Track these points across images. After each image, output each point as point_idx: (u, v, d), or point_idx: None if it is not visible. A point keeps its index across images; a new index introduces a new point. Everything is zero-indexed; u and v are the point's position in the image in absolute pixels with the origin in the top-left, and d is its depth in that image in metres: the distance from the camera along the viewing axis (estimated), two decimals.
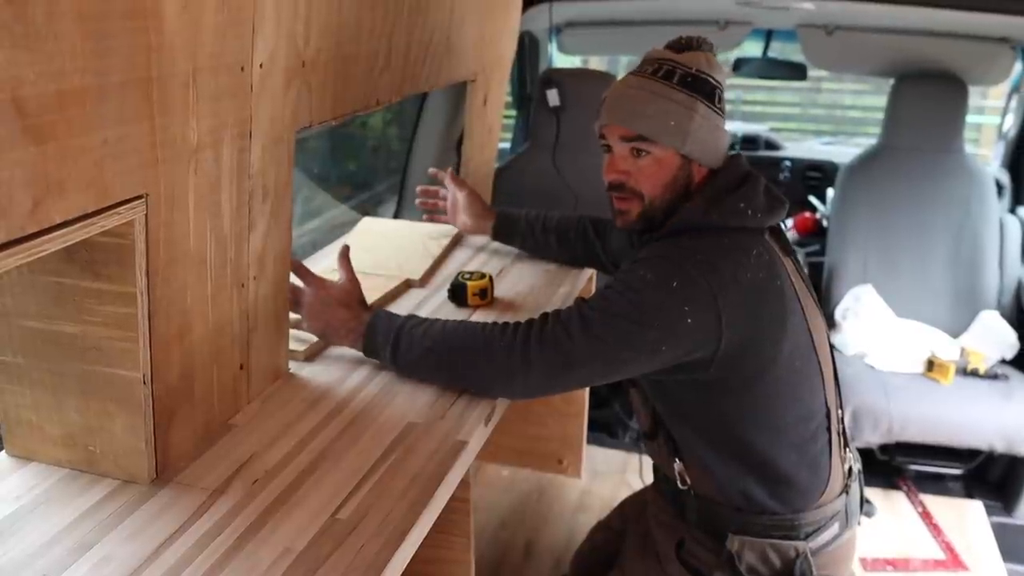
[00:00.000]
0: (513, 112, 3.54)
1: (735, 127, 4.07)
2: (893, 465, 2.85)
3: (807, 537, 1.40)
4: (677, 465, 1.47)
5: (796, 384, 1.37)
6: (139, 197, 1.00)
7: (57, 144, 0.86)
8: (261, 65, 1.18)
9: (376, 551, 1.03)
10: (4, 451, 1.18)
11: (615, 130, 1.40)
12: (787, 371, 1.34)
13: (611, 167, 1.42)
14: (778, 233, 1.43)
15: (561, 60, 3.61)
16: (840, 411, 1.47)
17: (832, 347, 1.50)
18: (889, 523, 2.69)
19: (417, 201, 2.10)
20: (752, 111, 7.40)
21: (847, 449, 1.48)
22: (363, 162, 4.78)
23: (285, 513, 1.08)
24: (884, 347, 2.93)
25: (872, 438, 2.69)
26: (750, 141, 3.83)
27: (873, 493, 2.80)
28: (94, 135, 0.91)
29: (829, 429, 1.41)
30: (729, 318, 1.26)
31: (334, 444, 1.24)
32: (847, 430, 1.51)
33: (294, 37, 1.25)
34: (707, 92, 1.38)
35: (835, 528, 1.43)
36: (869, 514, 1.54)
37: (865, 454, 2.82)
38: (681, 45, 1.43)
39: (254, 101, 1.18)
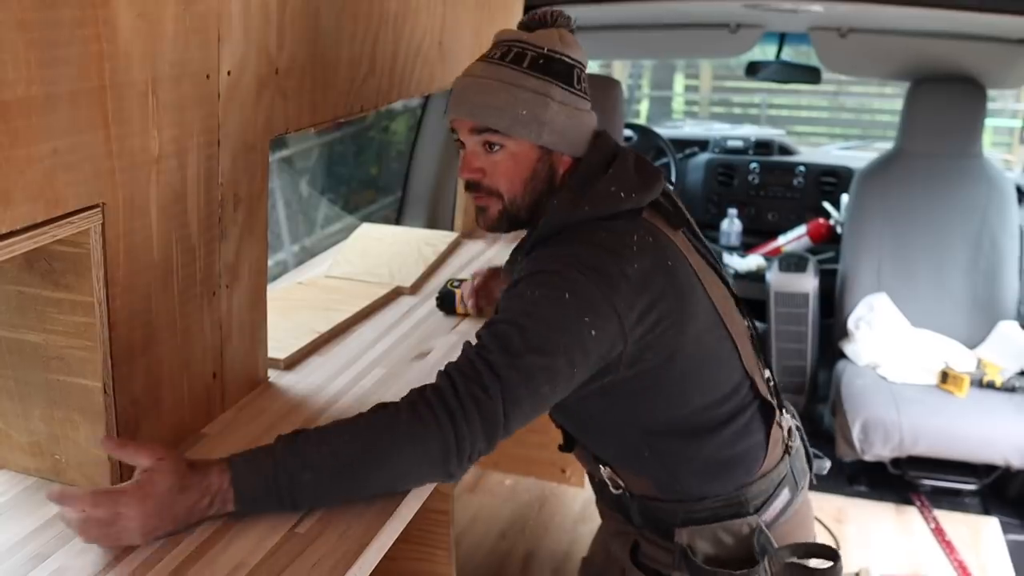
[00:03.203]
0: None
1: (749, 132, 4.02)
2: (905, 480, 2.78)
3: (757, 511, 1.33)
4: (604, 471, 1.40)
5: (709, 363, 1.28)
6: (94, 206, 0.99)
7: (2, 154, 0.86)
8: (229, 72, 1.17)
9: (332, 565, 1.01)
10: None
11: (464, 124, 1.28)
12: (697, 352, 1.26)
13: (465, 164, 1.30)
14: (661, 206, 1.30)
15: None
16: (767, 371, 1.40)
17: (744, 311, 1.40)
18: (900, 539, 2.63)
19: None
20: (778, 115, 7.33)
21: (782, 410, 1.39)
22: (385, 167, 4.80)
23: (244, 527, 1.07)
24: (897, 358, 2.87)
25: (883, 451, 2.64)
26: (764, 146, 3.78)
27: (884, 508, 2.76)
28: (43, 145, 0.90)
29: (757, 396, 1.33)
30: (628, 316, 1.16)
31: None
32: (776, 389, 1.42)
33: (266, 44, 1.24)
34: (563, 74, 1.26)
35: (785, 494, 1.36)
36: (820, 470, 1.48)
37: (876, 468, 2.79)
38: (533, 23, 1.31)
39: (222, 109, 1.17)
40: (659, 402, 1.28)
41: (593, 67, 4.03)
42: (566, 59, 1.27)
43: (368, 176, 4.93)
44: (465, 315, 1.71)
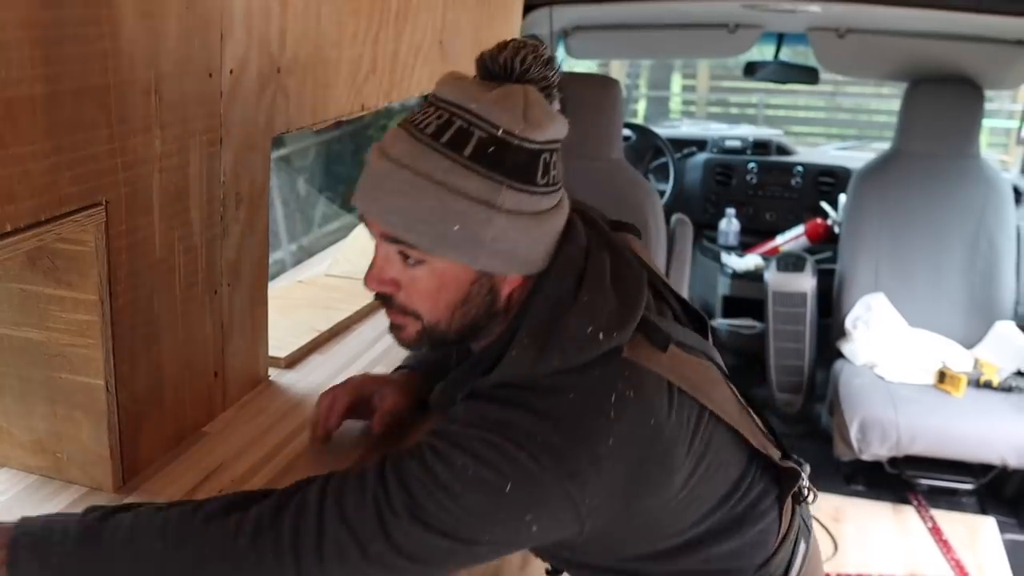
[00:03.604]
0: None
1: (747, 132, 4.03)
2: (903, 479, 2.79)
3: None
4: None
5: (705, 482, 1.03)
6: (96, 204, 0.99)
7: (5, 152, 0.86)
8: (231, 71, 1.17)
9: None
10: None
11: (373, 223, 0.95)
12: (690, 483, 1.00)
13: (373, 272, 0.98)
14: (643, 321, 0.97)
15: (574, 65, 3.59)
16: (764, 430, 1.15)
17: (744, 399, 1.13)
18: (897, 539, 2.64)
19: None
20: (775, 115, 7.35)
21: (786, 459, 1.16)
22: None
23: None
24: (894, 357, 2.88)
25: (880, 451, 2.64)
26: (762, 146, 3.79)
27: (882, 507, 2.77)
28: (46, 143, 0.90)
29: (767, 468, 1.12)
30: (590, 505, 0.90)
31: (304, 454, 1.23)
32: (775, 434, 1.18)
33: (267, 43, 1.23)
34: (521, 168, 0.89)
35: (802, 547, 1.17)
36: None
37: (874, 467, 2.80)
38: (495, 68, 0.93)
39: (224, 107, 1.17)
40: (645, 536, 1.05)
41: (591, 67, 4.04)
42: (528, 145, 0.89)
43: None
44: None
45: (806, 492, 1.17)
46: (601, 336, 0.92)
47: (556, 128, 0.92)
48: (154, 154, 1.07)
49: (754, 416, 1.12)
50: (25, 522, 0.90)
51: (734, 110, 7.73)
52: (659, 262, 2.64)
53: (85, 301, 1.03)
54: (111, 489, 1.12)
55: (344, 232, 2.25)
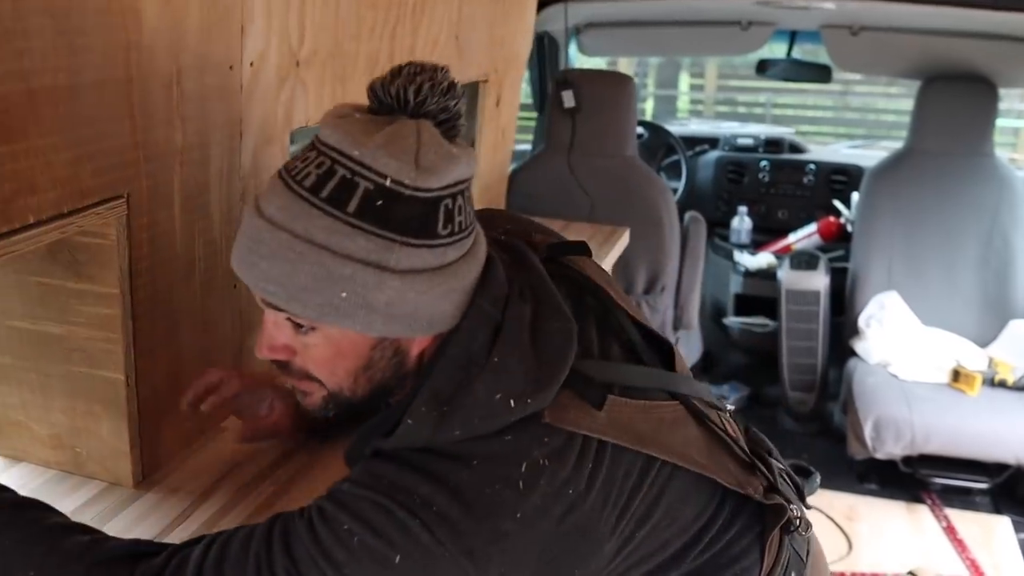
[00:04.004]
0: (533, 115, 3.52)
1: (759, 130, 4.01)
2: (916, 478, 2.77)
3: None
4: None
5: (658, 537, 0.91)
6: (118, 197, 0.99)
7: (28, 143, 0.85)
8: (251, 64, 1.16)
9: None
10: None
11: (254, 290, 0.84)
12: (633, 548, 0.89)
13: (263, 340, 0.88)
14: (578, 377, 0.86)
15: (585, 62, 3.58)
16: (751, 457, 1.00)
17: (720, 415, 1.00)
18: (911, 538, 2.62)
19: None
20: (783, 115, 7.33)
21: (772, 492, 1.00)
22: None
23: None
24: (908, 356, 2.86)
25: (894, 449, 2.63)
26: (774, 144, 3.77)
27: (895, 506, 2.75)
28: (68, 134, 0.90)
29: (744, 503, 0.98)
30: None
31: (324, 449, 1.22)
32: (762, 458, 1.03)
33: (287, 35, 1.23)
34: (416, 221, 0.79)
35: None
36: (813, 491, 1.13)
37: (887, 466, 2.78)
38: (388, 101, 0.82)
39: (244, 101, 1.17)
40: None
41: (600, 63, 4.02)
42: (422, 195, 0.79)
43: None
44: None
45: (796, 524, 1.03)
46: (512, 404, 0.81)
47: (458, 170, 0.81)
48: (175, 147, 1.06)
49: (737, 444, 0.99)
50: None
51: (742, 109, 7.70)
52: (673, 260, 2.63)
53: (106, 295, 1.02)
54: (131, 484, 1.12)
55: None
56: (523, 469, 0.79)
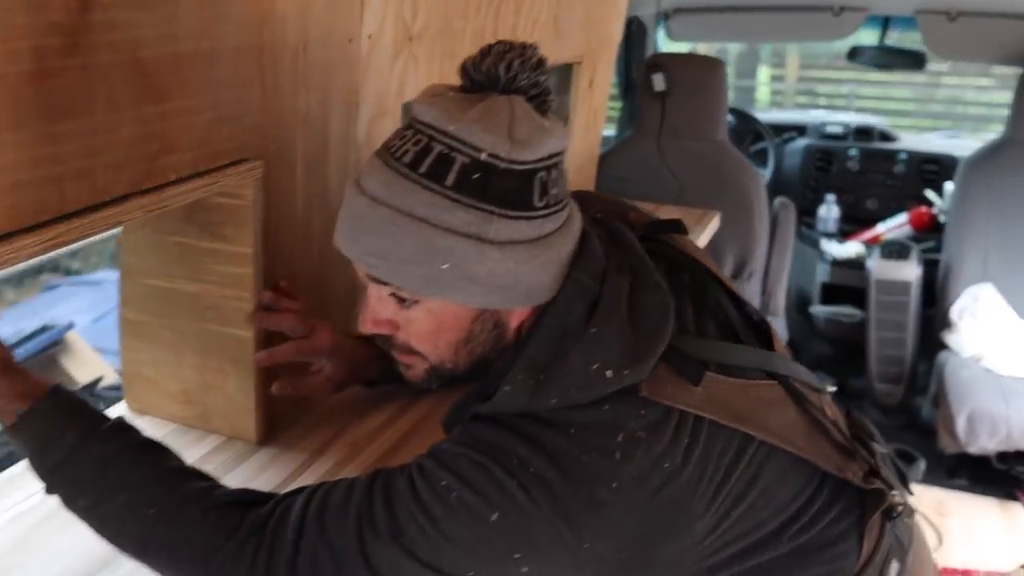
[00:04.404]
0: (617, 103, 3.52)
1: (849, 118, 3.94)
2: (1011, 475, 2.70)
3: None
4: None
5: (753, 518, 0.91)
6: (253, 159, 1.03)
7: (172, 104, 0.90)
8: (369, 37, 1.20)
9: None
10: (125, 404, 1.24)
11: (357, 264, 0.87)
12: (728, 527, 0.89)
13: (367, 314, 0.90)
14: (674, 353, 0.86)
15: (669, 48, 3.56)
16: (851, 443, 0.99)
17: (812, 393, 0.99)
18: (1004, 535, 2.56)
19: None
20: (865, 106, 7.16)
21: (873, 477, 0.98)
22: None
23: None
24: (1004, 349, 2.78)
25: (989, 444, 2.56)
26: (864, 132, 3.69)
27: (987, 503, 2.68)
28: (207, 97, 0.94)
29: (843, 489, 0.96)
30: (593, 553, 0.81)
31: (431, 414, 1.25)
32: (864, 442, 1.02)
33: (401, 11, 1.26)
34: (512, 194, 0.80)
35: (894, 567, 1.01)
36: (917, 477, 1.10)
37: (978, 461, 2.71)
38: (479, 79, 0.83)
39: (361, 73, 1.20)
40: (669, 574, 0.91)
41: (683, 48, 3.99)
42: (517, 167, 0.80)
43: None
44: None
45: (898, 510, 1.00)
46: (609, 375, 0.82)
47: (551, 143, 0.82)
48: (299, 115, 1.10)
49: (837, 427, 0.98)
50: (63, 395, 0.86)
51: (823, 100, 7.55)
52: (761, 246, 2.61)
53: (240, 254, 1.07)
54: (253, 440, 1.16)
55: None
56: (620, 440, 0.80)
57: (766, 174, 3.42)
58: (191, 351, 1.14)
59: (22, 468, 1.12)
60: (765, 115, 3.88)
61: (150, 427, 1.20)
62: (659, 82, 2.53)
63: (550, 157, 0.82)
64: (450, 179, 0.79)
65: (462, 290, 0.82)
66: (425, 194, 0.79)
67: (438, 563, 0.79)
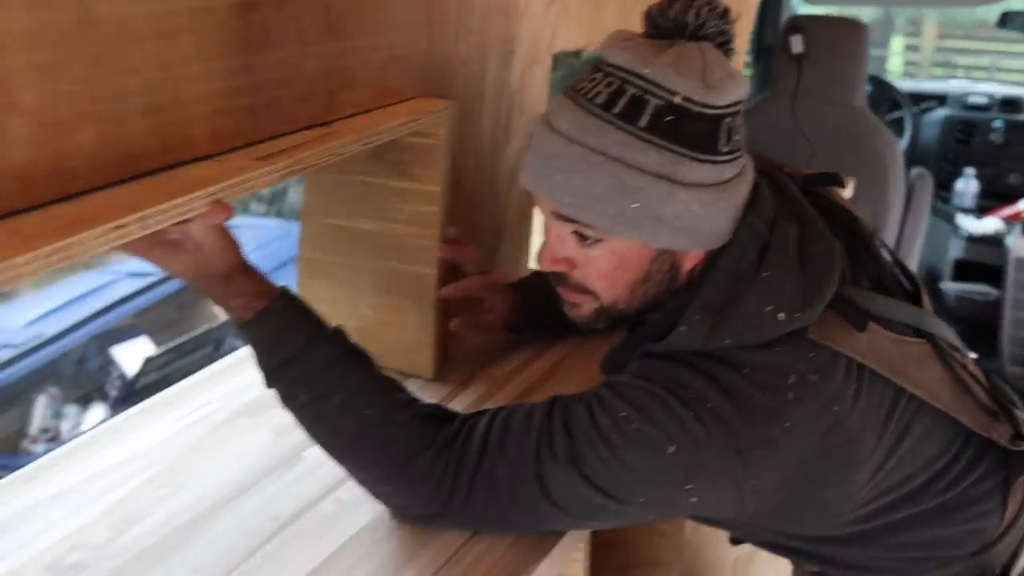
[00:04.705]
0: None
1: (993, 89, 3.75)
2: None
3: (1006, 570, 1.02)
4: (789, 559, 1.12)
5: (902, 470, 0.93)
6: (444, 99, 1.05)
7: (352, 43, 0.95)
8: None
9: None
10: None
11: (543, 202, 0.89)
12: (881, 477, 0.92)
13: (546, 252, 0.91)
14: (840, 299, 0.88)
15: (806, 11, 3.46)
16: (995, 406, 0.99)
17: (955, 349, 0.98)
18: None
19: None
20: (1008, 79, 6.79)
21: (1019, 440, 0.98)
22: None
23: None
24: None
25: None
26: (1011, 104, 3.51)
27: None
28: (382, 37, 0.99)
29: (986, 449, 0.97)
30: (756, 490, 0.85)
31: (573, 351, 1.28)
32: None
33: None
34: (702, 138, 0.82)
35: None
36: None
37: None
38: (667, 26, 0.84)
39: (518, 21, 1.23)
40: (821, 523, 0.96)
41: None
42: (709, 111, 0.82)
43: None
44: None
45: None
46: (781, 316, 0.84)
47: (738, 90, 0.84)
48: (459, 58, 1.14)
49: (982, 390, 0.98)
50: (293, 298, 0.90)
51: (960, 72, 7.20)
52: (894, 216, 2.53)
53: (428, 192, 1.09)
54: (430, 375, 1.19)
55: None
56: (792, 381, 0.83)
57: (902, 144, 3.31)
58: (368, 289, 1.17)
59: (193, 382, 1.21)
60: (903, 84, 3.73)
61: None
62: (797, 44, 2.48)
63: (735, 104, 0.84)
64: (643, 120, 0.81)
65: (648, 230, 0.84)
66: (619, 134, 0.81)
67: (611, 488, 0.83)
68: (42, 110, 0.65)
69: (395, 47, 1.01)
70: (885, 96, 3.38)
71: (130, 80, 0.71)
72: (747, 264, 0.87)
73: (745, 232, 0.88)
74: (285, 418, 1.10)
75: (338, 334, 0.92)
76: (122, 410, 1.20)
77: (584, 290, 0.92)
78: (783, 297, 0.85)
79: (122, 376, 3.72)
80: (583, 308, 0.94)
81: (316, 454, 1.03)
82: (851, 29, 2.52)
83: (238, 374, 1.22)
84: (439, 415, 0.92)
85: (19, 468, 1.03)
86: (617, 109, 0.82)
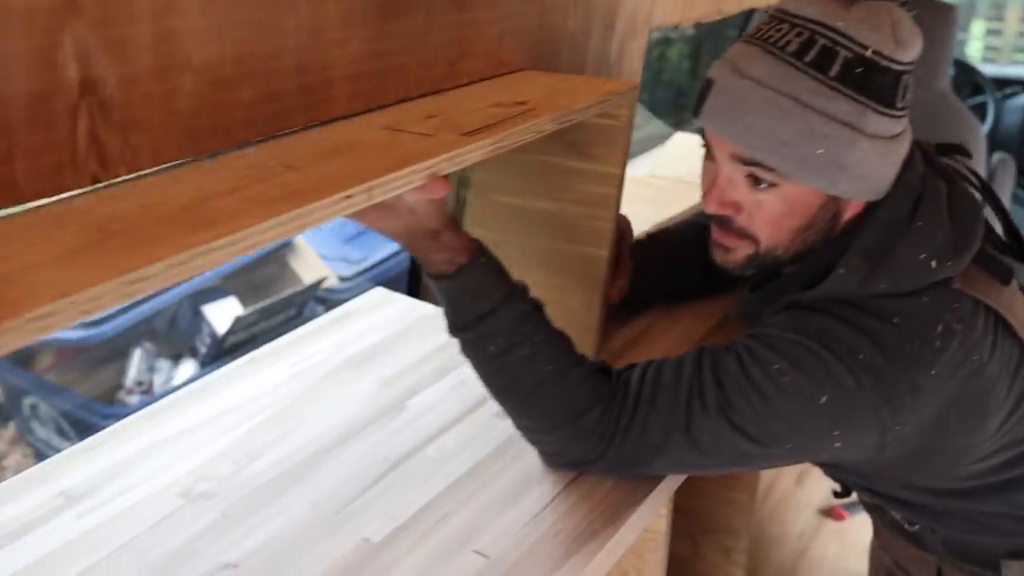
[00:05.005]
0: None
1: None
2: None
3: None
4: (896, 514, 1.15)
5: (1022, 427, 0.98)
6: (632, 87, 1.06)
7: (472, 15, 1.00)
8: None
9: None
10: None
11: (723, 144, 0.93)
12: (1007, 430, 0.97)
13: (714, 194, 0.95)
14: (983, 253, 0.94)
15: None
16: None
17: None
18: None
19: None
20: None
21: None
22: (657, 93, 4.94)
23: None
24: None
25: None
26: None
27: None
28: (498, 10, 1.04)
29: None
30: (897, 436, 0.89)
31: (658, 321, 1.31)
32: None
33: None
34: (886, 92, 0.86)
35: None
36: None
37: None
38: None
39: None
40: (943, 473, 1.02)
41: None
42: (895, 66, 0.86)
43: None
44: None
45: None
46: (934, 264, 0.90)
47: (918, 48, 0.88)
48: (566, 31, 1.18)
49: None
50: (490, 255, 0.94)
51: None
52: None
53: (606, 174, 1.09)
54: (591, 355, 1.16)
55: (650, 141, 2.34)
56: (938, 330, 0.88)
57: (984, 129, 3.25)
58: (535, 268, 1.14)
59: (295, 336, 1.28)
60: (986, 68, 3.66)
61: None
62: None
63: (913, 62, 0.89)
64: (833, 71, 0.85)
65: (828, 176, 0.89)
66: (810, 82, 0.86)
67: (760, 436, 0.88)
68: (210, 69, 0.71)
69: (510, 19, 1.05)
70: (968, 80, 3.33)
71: (284, 42, 0.77)
72: (902, 215, 0.92)
73: (902, 185, 0.93)
74: (387, 371, 1.18)
75: (526, 290, 0.96)
76: (211, 367, 1.27)
77: (745, 235, 0.96)
78: (935, 246, 0.90)
79: (212, 334, 3.87)
80: (737, 253, 0.98)
81: (419, 403, 1.11)
82: (940, 11, 2.49)
83: (336, 332, 1.29)
84: (604, 370, 0.97)
85: (116, 416, 1.10)
86: (808, 58, 0.86)
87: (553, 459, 0.98)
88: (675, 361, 0.93)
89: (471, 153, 0.80)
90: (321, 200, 0.64)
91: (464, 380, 1.15)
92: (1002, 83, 3.54)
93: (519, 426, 0.97)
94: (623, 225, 1.20)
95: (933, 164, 1.00)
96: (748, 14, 3.09)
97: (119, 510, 0.92)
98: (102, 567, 0.84)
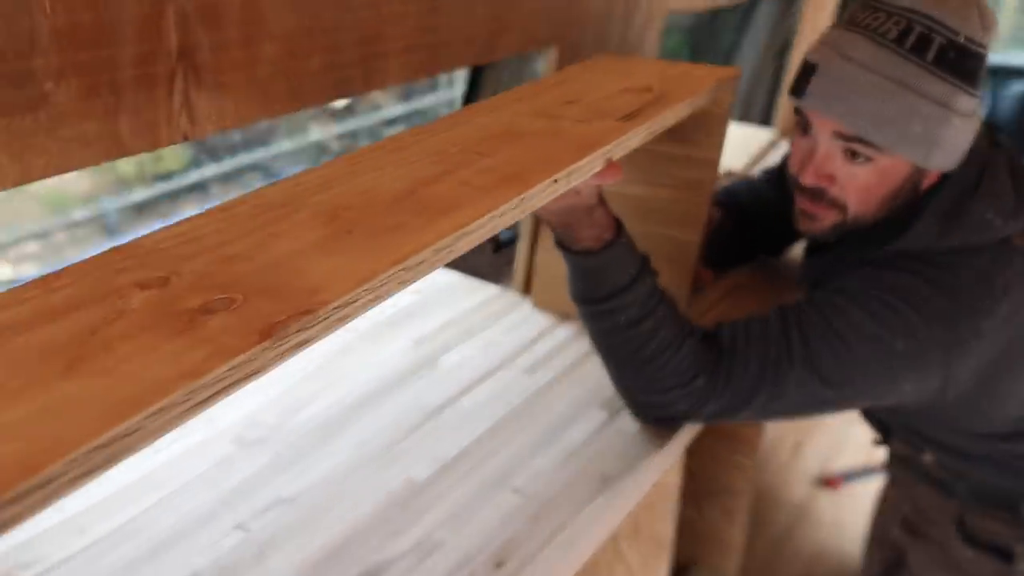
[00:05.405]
0: None
1: None
2: None
3: None
4: (926, 457, 1.27)
5: None
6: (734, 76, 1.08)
7: None
8: None
9: None
10: (530, 300, 1.33)
11: (825, 122, 1.03)
12: None
13: (812, 168, 1.06)
14: None
15: None
16: None
17: None
18: None
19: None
20: None
21: None
22: None
23: None
24: None
25: None
26: None
27: None
28: None
29: None
30: (956, 378, 1.01)
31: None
32: None
33: None
34: (973, 75, 0.97)
35: None
36: None
37: None
38: None
39: None
40: (988, 416, 1.13)
41: None
42: (982, 51, 0.98)
43: None
44: None
45: None
46: (999, 222, 1.02)
47: (997, 30, 0.99)
48: (592, 13, 1.25)
49: None
50: (627, 232, 0.98)
51: None
52: None
53: (704, 160, 1.11)
54: None
55: None
56: (999, 281, 1.00)
57: None
58: None
59: None
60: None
61: (551, 323, 1.29)
62: None
63: (989, 47, 0.99)
64: (930, 55, 0.96)
65: (922, 150, 0.99)
66: (911, 66, 0.96)
67: (839, 381, 0.98)
68: (286, 38, 0.78)
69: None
70: None
71: (347, 16, 0.84)
72: (971, 179, 1.04)
73: (973, 154, 1.04)
74: (420, 330, 1.25)
75: (650, 262, 1.01)
76: None
77: (836, 204, 1.07)
78: (1001, 205, 1.02)
79: None
80: (824, 221, 1.09)
81: (451, 360, 1.18)
82: None
83: None
84: (706, 333, 1.03)
85: None
86: (908, 44, 0.96)
87: (652, 413, 1.04)
88: (760, 319, 1.02)
89: (634, 138, 0.83)
90: (539, 184, 0.68)
91: (491, 341, 1.23)
92: (998, 72, 3.59)
93: (627, 386, 1.04)
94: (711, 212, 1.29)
95: (990, 137, 1.10)
96: (750, 5, 3.17)
97: (177, 454, 0.99)
98: (171, 500, 0.91)
